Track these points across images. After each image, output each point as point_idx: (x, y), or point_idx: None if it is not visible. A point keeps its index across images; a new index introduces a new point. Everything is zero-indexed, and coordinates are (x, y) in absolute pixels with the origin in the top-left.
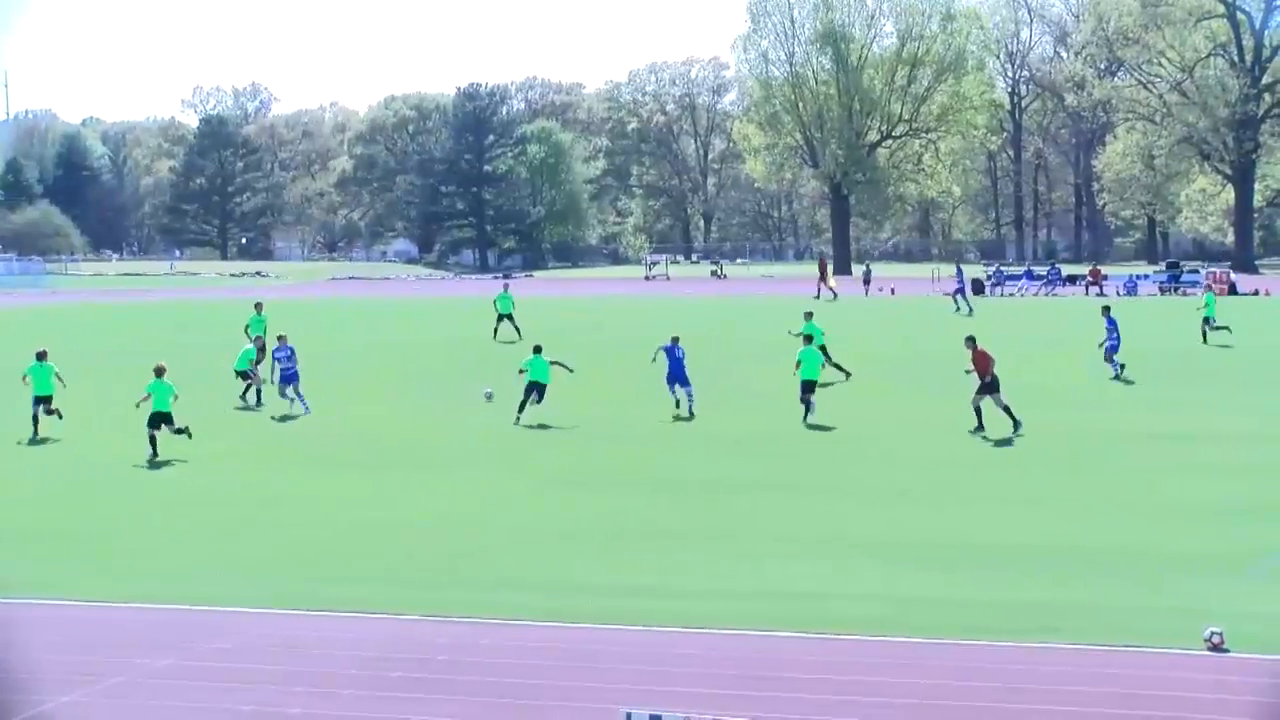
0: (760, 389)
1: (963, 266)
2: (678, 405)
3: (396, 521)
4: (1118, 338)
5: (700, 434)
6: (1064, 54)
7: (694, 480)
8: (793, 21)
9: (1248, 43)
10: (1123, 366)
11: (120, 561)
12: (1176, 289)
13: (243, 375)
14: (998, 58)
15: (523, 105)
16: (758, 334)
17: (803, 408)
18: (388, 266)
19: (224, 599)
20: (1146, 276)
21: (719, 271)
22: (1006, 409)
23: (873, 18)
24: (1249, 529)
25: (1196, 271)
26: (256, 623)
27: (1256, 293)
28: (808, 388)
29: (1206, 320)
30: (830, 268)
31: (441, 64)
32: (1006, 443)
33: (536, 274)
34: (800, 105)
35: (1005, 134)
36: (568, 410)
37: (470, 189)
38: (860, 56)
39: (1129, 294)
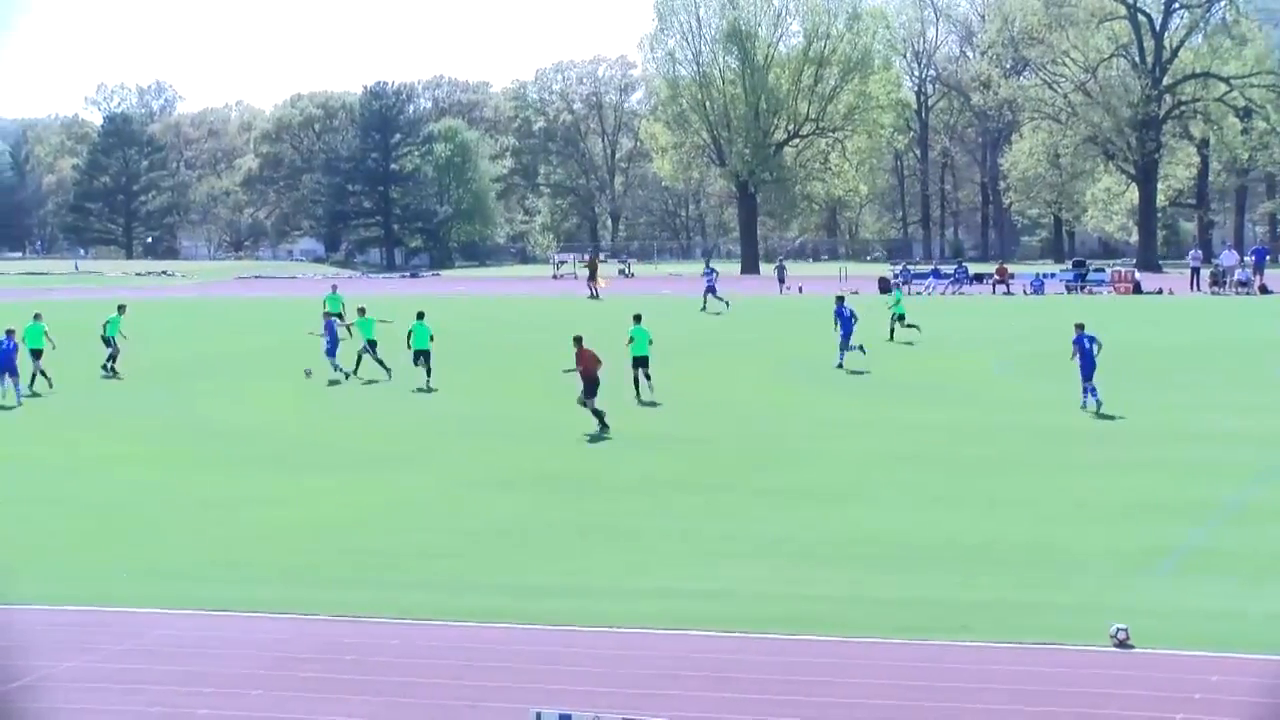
0: (671, 389)
1: (714, 265)
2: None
3: (304, 522)
4: (1089, 361)
5: (615, 433)
6: (970, 54)
7: (604, 480)
8: (699, 20)
9: (1149, 44)
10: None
11: (21, 563)
12: (1083, 288)
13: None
14: (904, 57)
15: (429, 104)
16: (669, 331)
17: (635, 388)
18: (295, 265)
19: (127, 600)
20: (1053, 275)
21: (627, 270)
22: (597, 413)
23: (779, 17)
24: (1153, 526)
25: (1102, 270)
26: (162, 624)
27: (1160, 291)
28: (639, 363)
29: (899, 318)
30: (599, 268)
31: (348, 63)
32: (907, 442)
33: (444, 273)
34: (707, 104)
35: (912, 133)
36: (478, 410)
37: (377, 188)
38: (767, 56)
39: (1036, 292)
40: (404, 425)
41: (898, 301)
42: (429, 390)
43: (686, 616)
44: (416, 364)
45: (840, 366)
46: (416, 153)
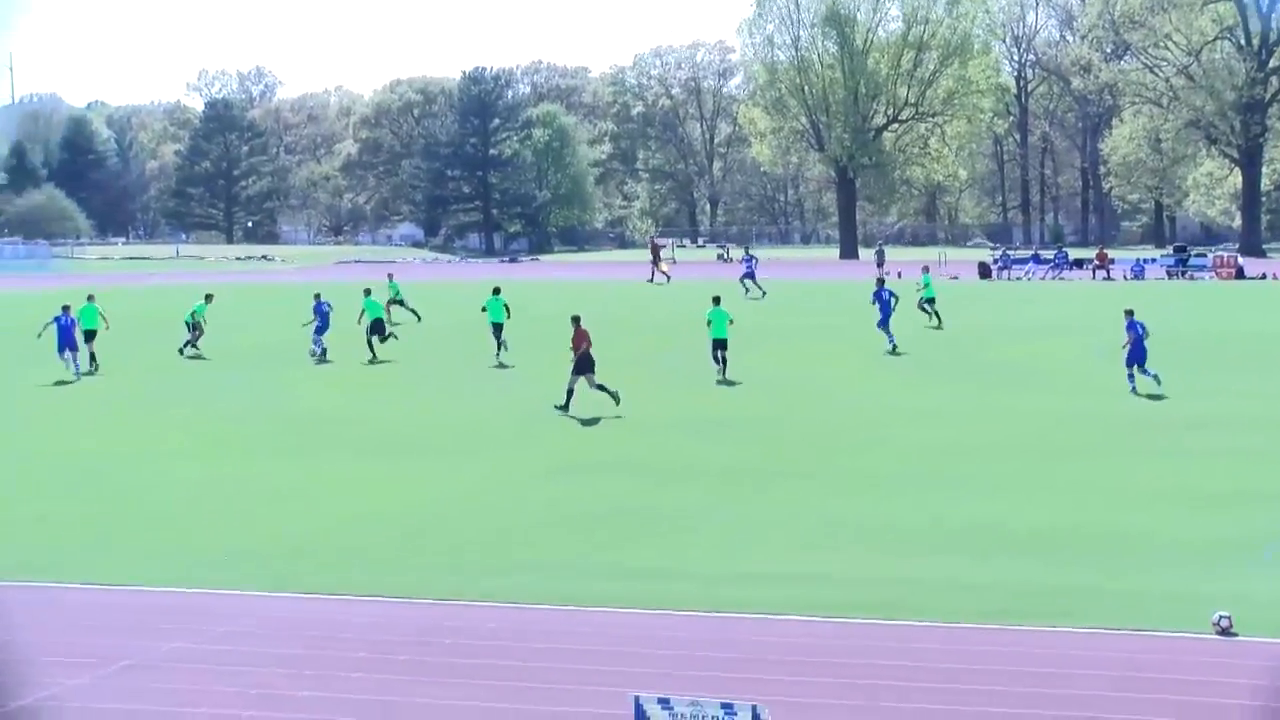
0: (765, 374)
1: (753, 252)
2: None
3: (399, 506)
4: (1140, 346)
5: (705, 419)
6: (1070, 37)
7: (696, 465)
8: (798, 5)
9: (1254, 26)
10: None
11: (127, 545)
12: (1184, 273)
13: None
14: (1004, 41)
15: (528, 89)
16: (763, 319)
17: (717, 365)
18: (394, 250)
19: (229, 583)
20: (1154, 260)
21: (725, 255)
22: (601, 387)
23: (878, 1)
24: (1257, 514)
25: (1204, 255)
26: (259, 607)
27: (1264, 276)
28: (718, 344)
29: (929, 300)
30: (662, 252)
31: (447, 48)
32: (1004, 428)
33: (542, 258)
34: (806, 89)
35: (1011, 118)
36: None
37: (475, 173)
38: (866, 40)
39: (1136, 278)
40: (493, 410)
41: (927, 285)
42: (500, 364)
43: (781, 602)
44: (496, 337)
45: (893, 351)
46: (515, 138)
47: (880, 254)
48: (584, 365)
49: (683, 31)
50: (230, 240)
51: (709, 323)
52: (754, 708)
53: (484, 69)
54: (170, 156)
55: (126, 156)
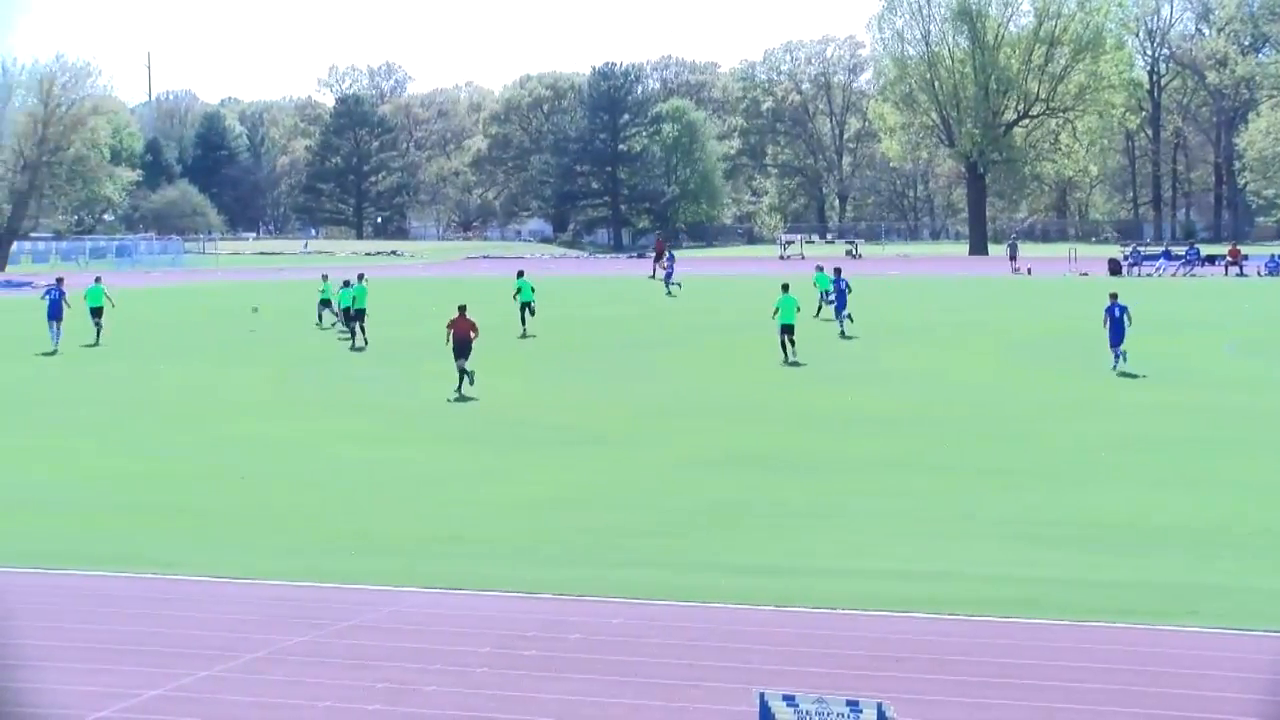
0: (893, 368)
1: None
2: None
3: (526, 499)
4: (1119, 327)
5: (837, 413)
6: (1206, 31)
7: (828, 459)
8: (928, 0)
9: None
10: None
11: (249, 537)
12: None
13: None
14: (1137, 36)
15: (657, 84)
16: (892, 315)
17: (783, 352)
18: (523, 246)
19: (351, 576)
20: None
21: (854, 251)
22: (465, 372)
23: None
24: None
25: None
26: (386, 600)
27: None
28: (786, 330)
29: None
30: (665, 250)
31: (576, 43)
32: (1139, 423)
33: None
34: (936, 84)
35: (1144, 113)
36: (696, 389)
37: (605, 168)
38: (997, 35)
39: (1271, 274)
40: (623, 404)
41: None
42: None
43: (910, 598)
44: (522, 313)
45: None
46: (644, 133)
47: (1013, 248)
48: (462, 349)
49: (813, 26)
50: (360, 236)
51: (776, 310)
52: (879, 705)
53: (614, 64)
54: (301, 152)
55: (258, 152)
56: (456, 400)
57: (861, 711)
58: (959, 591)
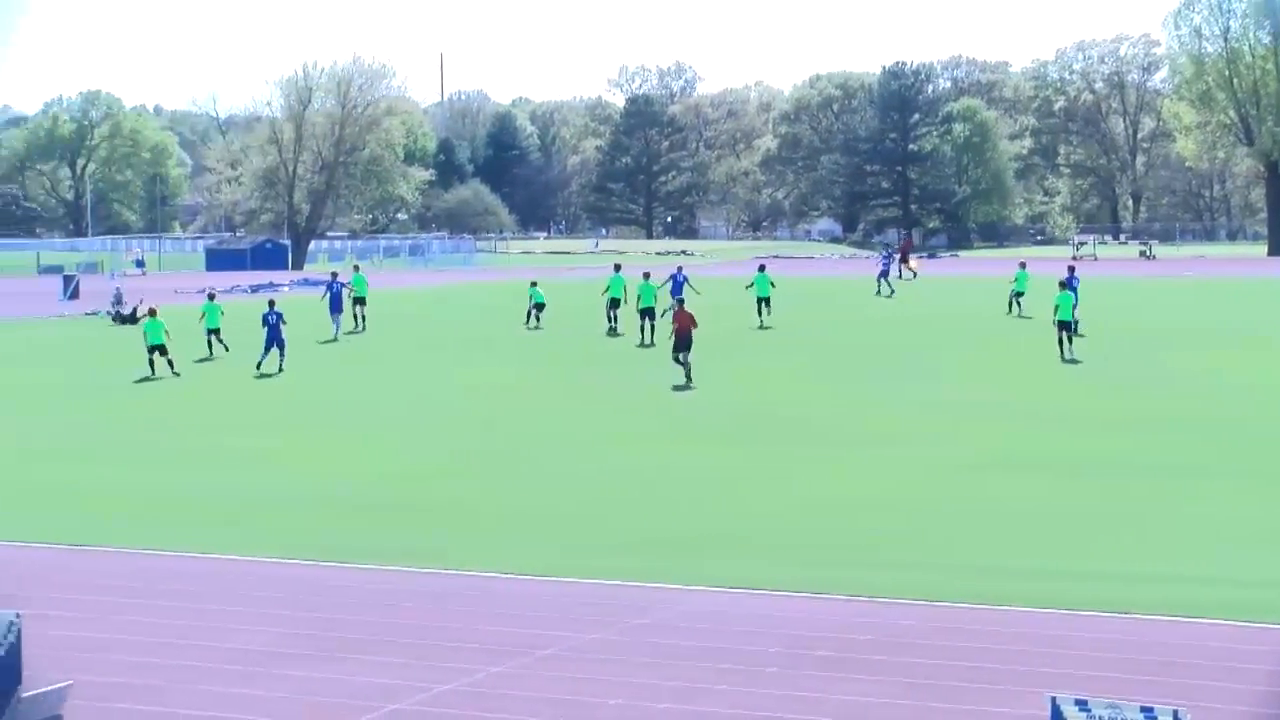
0: (1175, 369)
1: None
2: None
3: (814, 499)
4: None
5: (1110, 416)
6: None
7: (1118, 462)
8: None
9: None
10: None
11: (533, 535)
12: None
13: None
14: None
15: (948, 84)
16: (1180, 318)
17: (1067, 345)
18: (812, 245)
19: (638, 574)
20: None
21: (1148, 252)
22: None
23: None
24: None
25: None
26: (674, 599)
27: None
28: (1063, 326)
29: (1018, 295)
30: (910, 251)
31: (866, 42)
32: None
33: (961, 253)
34: (1235, 81)
35: None
36: (986, 394)
37: (895, 168)
38: None
39: None
40: (915, 404)
41: (1019, 280)
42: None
43: (1199, 603)
44: (642, 320)
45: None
46: (935, 133)
47: None
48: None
49: (1106, 24)
50: (650, 235)
51: (1056, 307)
52: (1175, 712)
53: (904, 64)
54: (591, 152)
55: (549, 152)
56: (681, 389)
57: (1157, 718)
58: (1249, 598)
